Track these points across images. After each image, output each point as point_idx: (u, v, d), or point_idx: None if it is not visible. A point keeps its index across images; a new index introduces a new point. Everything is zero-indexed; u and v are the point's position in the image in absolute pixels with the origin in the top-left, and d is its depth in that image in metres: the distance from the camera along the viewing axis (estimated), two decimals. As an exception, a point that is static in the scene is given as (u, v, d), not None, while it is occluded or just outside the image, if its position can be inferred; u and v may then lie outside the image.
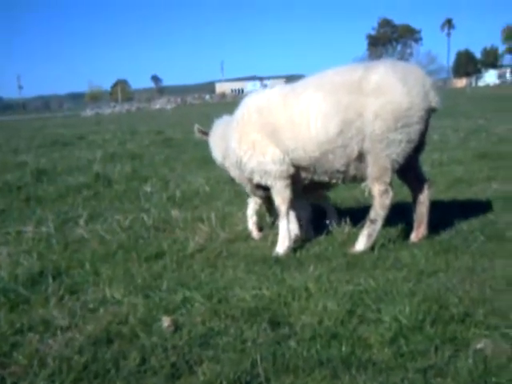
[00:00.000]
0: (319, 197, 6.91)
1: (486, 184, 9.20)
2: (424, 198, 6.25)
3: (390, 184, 5.86)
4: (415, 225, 6.29)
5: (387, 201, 5.83)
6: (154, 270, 5.70)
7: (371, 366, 3.63)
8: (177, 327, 4.27)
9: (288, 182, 6.16)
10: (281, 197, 6.19)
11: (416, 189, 6.28)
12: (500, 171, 10.14)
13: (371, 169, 5.81)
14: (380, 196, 5.82)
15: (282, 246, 6.11)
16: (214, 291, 4.87)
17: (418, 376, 3.48)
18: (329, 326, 4.12)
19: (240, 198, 8.42)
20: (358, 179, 6.11)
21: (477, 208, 7.54)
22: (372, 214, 5.90)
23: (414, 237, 6.27)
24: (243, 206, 8.05)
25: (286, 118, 5.95)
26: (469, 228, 6.53)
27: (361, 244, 5.96)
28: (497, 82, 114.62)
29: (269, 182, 6.19)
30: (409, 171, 6.19)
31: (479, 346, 3.80)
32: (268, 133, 6.09)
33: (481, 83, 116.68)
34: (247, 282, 5.07)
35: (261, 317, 4.32)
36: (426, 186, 6.27)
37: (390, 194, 5.85)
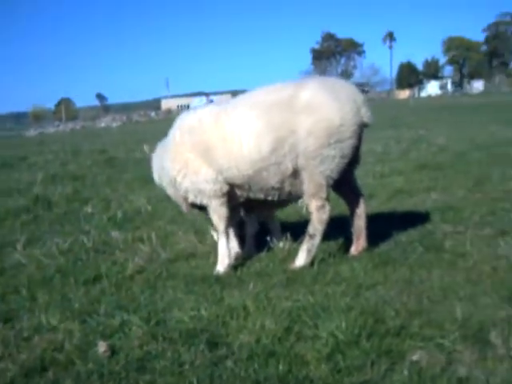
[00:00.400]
0: (269, 216, 6.90)
1: (426, 194, 9.36)
2: (360, 212, 6.28)
3: (327, 199, 5.90)
4: (354, 238, 6.34)
5: (324, 216, 5.86)
6: (92, 293, 5.58)
7: (308, 382, 3.63)
8: (113, 352, 4.19)
9: (223, 200, 6.14)
10: (217, 215, 6.17)
11: (352, 202, 6.33)
12: (439, 181, 10.33)
13: (307, 185, 5.83)
14: (317, 211, 5.85)
15: (222, 265, 6.08)
16: (152, 314, 4.81)
17: (355, 391, 3.49)
18: (266, 344, 4.10)
19: (182, 217, 8.36)
20: (294, 196, 6.15)
21: (416, 219, 7.65)
22: (310, 229, 5.92)
23: (353, 250, 6.30)
24: (185, 224, 8.03)
25: (218, 137, 5.95)
26: (408, 239, 6.62)
27: (300, 259, 5.97)
28: (439, 92, 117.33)
29: (204, 201, 6.17)
30: (344, 185, 6.23)
31: (414, 357, 3.83)
32: (200, 152, 6.07)
33: (423, 94, 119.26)
34: (186, 303, 5.02)
35: (199, 338, 4.28)
36: (361, 200, 6.31)
37: (327, 208, 5.88)
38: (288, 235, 6.66)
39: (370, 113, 5.97)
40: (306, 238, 5.97)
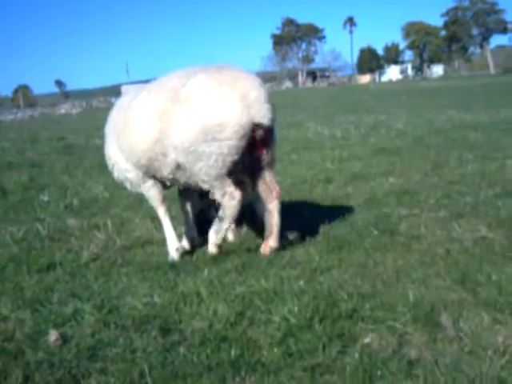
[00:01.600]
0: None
1: (383, 179, 9.42)
2: (273, 210, 5.85)
3: (230, 185, 5.58)
4: (265, 236, 6.00)
5: (233, 202, 5.55)
6: (46, 282, 5.50)
7: (260, 367, 3.63)
8: (65, 340, 4.15)
9: (148, 184, 6.06)
10: (151, 200, 6.15)
11: (266, 200, 5.89)
12: (397, 165, 10.40)
13: (198, 178, 5.62)
14: (222, 198, 5.59)
15: (172, 250, 6.05)
16: (105, 301, 4.78)
17: (306, 374, 3.50)
18: (219, 329, 4.10)
19: (139, 204, 8.29)
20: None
21: (372, 203, 7.73)
22: (220, 213, 5.77)
23: (262, 249, 5.93)
24: (142, 211, 7.97)
25: (123, 126, 5.85)
26: (363, 223, 6.65)
27: (210, 241, 5.95)
28: (399, 77, 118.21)
29: (136, 190, 6.20)
30: (258, 182, 5.84)
31: (366, 340, 3.86)
32: (116, 141, 6.05)
33: (384, 79, 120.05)
34: (140, 290, 4.99)
35: (151, 325, 4.27)
36: (275, 198, 5.85)
37: (234, 194, 5.55)
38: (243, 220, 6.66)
39: (268, 112, 5.45)
40: (216, 221, 5.87)
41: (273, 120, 5.52)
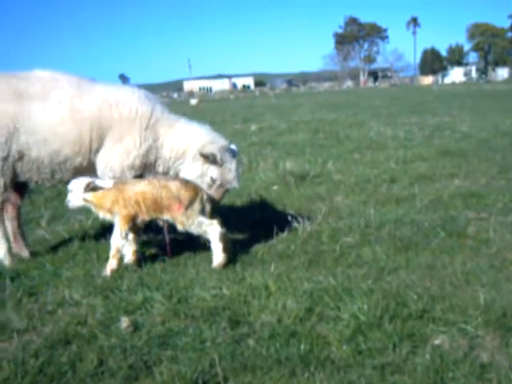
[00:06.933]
0: None
1: (449, 181, 9.30)
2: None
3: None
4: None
5: None
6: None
7: (329, 363, 3.64)
8: (136, 328, 4.23)
9: None
10: None
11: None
12: (462, 168, 10.24)
13: None
14: None
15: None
16: (174, 291, 4.84)
17: (376, 373, 3.50)
18: (288, 324, 4.12)
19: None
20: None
21: (439, 204, 7.63)
22: None
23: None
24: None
25: None
26: (430, 224, 6.58)
27: None
28: (463, 79, 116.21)
29: None
30: None
31: (437, 341, 3.84)
32: None
33: (447, 80, 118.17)
34: (208, 282, 5.05)
35: (220, 316, 4.32)
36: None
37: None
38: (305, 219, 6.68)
39: None
40: None
41: None
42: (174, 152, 6.12)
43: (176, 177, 5.98)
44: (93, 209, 5.71)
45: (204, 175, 5.96)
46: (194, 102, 59.87)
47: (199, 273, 5.39)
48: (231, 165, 6.07)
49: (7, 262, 5.99)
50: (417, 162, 11.48)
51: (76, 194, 5.62)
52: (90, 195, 5.59)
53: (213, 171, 5.99)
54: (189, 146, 6.10)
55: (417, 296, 4.44)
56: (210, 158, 5.95)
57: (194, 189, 5.62)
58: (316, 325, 4.12)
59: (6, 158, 5.84)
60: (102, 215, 5.69)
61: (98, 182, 5.70)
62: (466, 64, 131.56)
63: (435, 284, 4.82)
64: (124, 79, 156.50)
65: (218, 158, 5.95)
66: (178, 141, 6.12)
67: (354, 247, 5.95)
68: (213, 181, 5.99)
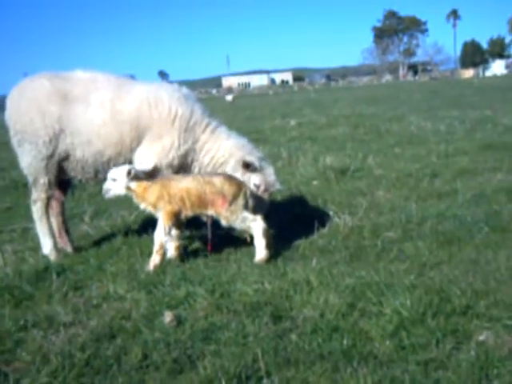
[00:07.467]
0: None
1: (491, 174, 9.16)
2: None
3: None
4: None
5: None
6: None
7: (372, 358, 3.64)
8: (179, 322, 4.28)
9: None
10: None
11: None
12: (505, 162, 10.07)
13: None
14: None
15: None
16: (216, 286, 4.88)
17: (419, 369, 3.48)
18: (330, 319, 4.12)
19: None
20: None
21: (482, 199, 7.54)
22: None
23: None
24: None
25: None
26: (473, 219, 6.50)
27: None
28: (504, 71, 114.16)
29: None
30: None
31: (481, 338, 3.80)
32: None
33: (488, 73, 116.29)
34: (250, 276, 5.07)
35: (262, 311, 4.34)
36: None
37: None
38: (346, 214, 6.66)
39: None
40: None
41: None
42: (213, 160, 6.24)
43: (219, 172, 6.02)
44: (134, 198, 5.76)
45: (247, 183, 6.01)
46: (229, 98, 60.34)
47: (241, 268, 5.42)
48: (269, 169, 6.25)
49: (53, 257, 6.13)
50: (458, 156, 11.33)
51: (119, 183, 5.66)
52: (134, 184, 5.65)
53: (255, 178, 6.11)
54: (230, 157, 6.22)
55: (460, 291, 4.39)
56: (251, 167, 6.08)
57: (237, 184, 5.66)
58: (358, 320, 4.11)
59: (50, 157, 5.99)
60: (143, 206, 5.75)
61: (138, 167, 5.77)
62: (508, 56, 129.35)
63: (479, 279, 4.76)
64: (163, 76, 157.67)
65: (258, 165, 6.11)
66: (218, 150, 6.25)
67: (395, 242, 5.92)
68: (257, 187, 6.09)
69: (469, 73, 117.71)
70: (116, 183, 5.65)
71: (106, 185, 5.72)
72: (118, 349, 3.95)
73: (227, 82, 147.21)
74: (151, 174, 5.83)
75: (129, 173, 5.60)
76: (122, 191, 5.71)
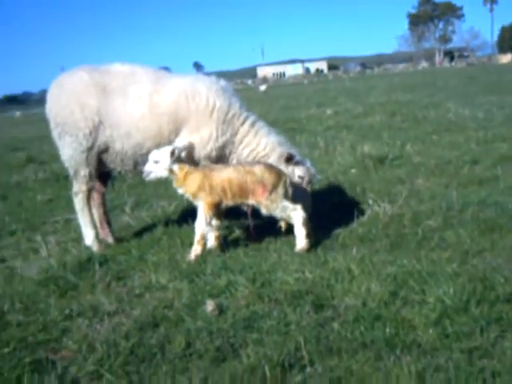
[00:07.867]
0: None
1: (532, 161, 9.01)
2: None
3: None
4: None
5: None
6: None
7: (416, 347, 3.62)
8: (221, 311, 4.32)
9: None
10: None
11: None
12: (546, 148, 9.92)
13: None
14: None
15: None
16: (257, 275, 4.90)
17: (463, 357, 3.45)
18: (372, 307, 4.11)
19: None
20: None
21: (524, 186, 7.42)
22: None
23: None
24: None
25: None
26: (515, 206, 6.41)
27: None
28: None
29: None
30: None
31: (526, 326, 3.76)
32: None
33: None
34: (290, 265, 5.08)
35: (304, 300, 4.35)
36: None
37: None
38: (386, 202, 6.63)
39: None
40: None
41: None
42: (253, 153, 6.25)
43: (259, 161, 6.04)
44: (174, 183, 5.79)
45: (292, 176, 6.02)
46: (263, 88, 60.50)
47: (281, 257, 5.43)
48: (307, 162, 6.34)
49: (95, 247, 6.22)
50: (497, 142, 11.14)
51: (162, 164, 5.67)
52: (176, 166, 5.68)
53: (298, 170, 6.17)
54: (271, 152, 6.24)
55: (504, 279, 4.35)
56: (294, 160, 6.16)
57: (277, 173, 5.67)
58: (401, 308, 4.09)
59: (90, 149, 6.07)
60: (182, 191, 5.78)
61: (179, 145, 5.84)
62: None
63: (522, 267, 4.71)
64: (198, 67, 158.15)
65: (299, 158, 6.22)
66: (259, 145, 6.28)
67: (436, 230, 5.87)
68: (301, 178, 6.15)
69: (507, 58, 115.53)
70: (158, 165, 5.67)
71: (147, 167, 5.74)
72: (162, 337, 4.00)
73: (262, 72, 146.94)
74: (192, 159, 5.87)
75: (172, 153, 5.63)
76: (163, 173, 5.72)
